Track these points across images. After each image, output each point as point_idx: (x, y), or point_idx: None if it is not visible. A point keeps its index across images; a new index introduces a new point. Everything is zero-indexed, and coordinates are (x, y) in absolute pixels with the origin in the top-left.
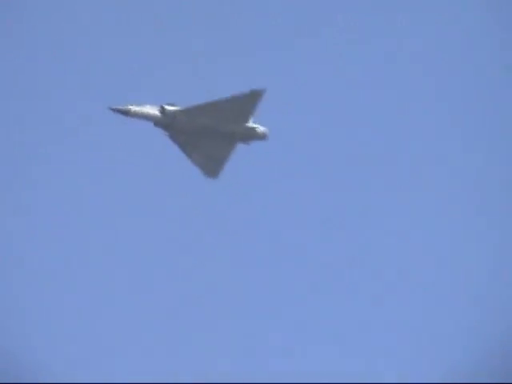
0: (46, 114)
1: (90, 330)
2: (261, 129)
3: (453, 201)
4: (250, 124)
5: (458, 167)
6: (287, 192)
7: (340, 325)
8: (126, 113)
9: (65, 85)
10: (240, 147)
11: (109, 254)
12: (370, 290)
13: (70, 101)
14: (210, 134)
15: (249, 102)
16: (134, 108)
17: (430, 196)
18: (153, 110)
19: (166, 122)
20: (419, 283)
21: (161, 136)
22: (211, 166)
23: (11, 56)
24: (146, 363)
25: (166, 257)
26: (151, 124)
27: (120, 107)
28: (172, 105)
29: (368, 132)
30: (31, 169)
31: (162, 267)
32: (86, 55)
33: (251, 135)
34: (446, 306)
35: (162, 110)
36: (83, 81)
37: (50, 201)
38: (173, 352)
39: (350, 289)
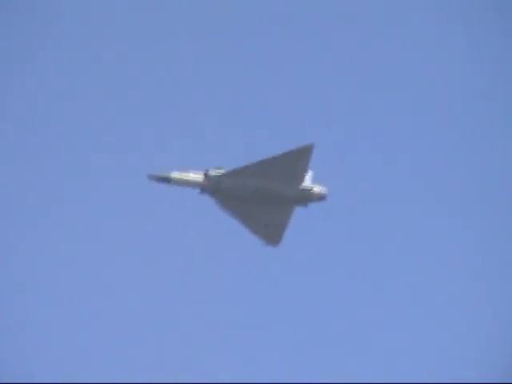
0: (90, 184)
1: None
2: (317, 189)
3: None
4: (306, 184)
5: None
6: (347, 258)
7: None
8: (167, 180)
9: (104, 149)
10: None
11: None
12: None
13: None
14: (262, 198)
15: (297, 159)
16: (175, 174)
17: None
18: (196, 176)
19: (211, 188)
20: None
21: (209, 203)
22: (270, 232)
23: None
24: (147, 363)
25: (225, 325)
26: (196, 191)
27: (160, 174)
28: (218, 168)
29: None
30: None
31: (222, 338)
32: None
33: (307, 197)
34: None
35: (206, 175)
36: (119, 145)
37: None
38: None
39: None
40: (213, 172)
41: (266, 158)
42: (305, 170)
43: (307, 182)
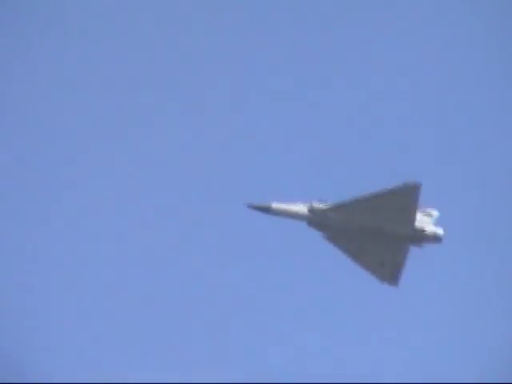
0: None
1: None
2: (431, 230)
3: None
4: (422, 224)
5: None
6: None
7: None
8: (268, 210)
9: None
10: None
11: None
12: None
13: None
14: (371, 235)
15: (405, 197)
16: (276, 205)
17: None
18: (299, 207)
19: (316, 221)
20: None
21: (313, 236)
22: (386, 271)
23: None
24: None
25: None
26: (301, 224)
27: (261, 204)
28: (322, 201)
29: None
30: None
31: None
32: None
33: (421, 238)
34: None
35: (311, 208)
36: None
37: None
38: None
39: None
40: (317, 205)
41: (370, 193)
42: (414, 210)
43: (427, 222)
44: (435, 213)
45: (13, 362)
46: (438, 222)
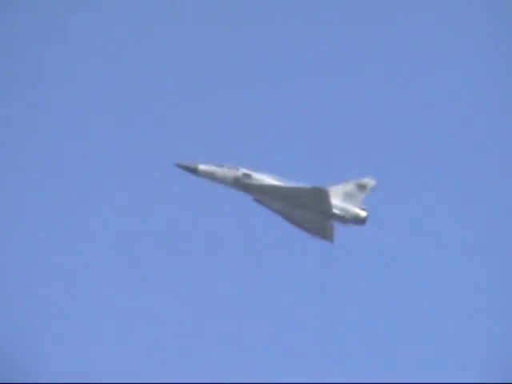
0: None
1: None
2: (352, 213)
3: None
4: (342, 207)
5: None
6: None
7: None
8: (195, 171)
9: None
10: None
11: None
12: None
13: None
14: (294, 213)
15: (315, 198)
16: (203, 167)
17: None
18: (225, 171)
19: (242, 186)
20: None
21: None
22: (317, 229)
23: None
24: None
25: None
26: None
27: (189, 164)
28: (249, 170)
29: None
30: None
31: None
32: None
33: (342, 221)
34: None
35: (237, 175)
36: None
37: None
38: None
39: None
40: (244, 173)
41: (288, 187)
42: (324, 208)
43: (351, 204)
44: (371, 182)
45: (15, 361)
46: (375, 191)
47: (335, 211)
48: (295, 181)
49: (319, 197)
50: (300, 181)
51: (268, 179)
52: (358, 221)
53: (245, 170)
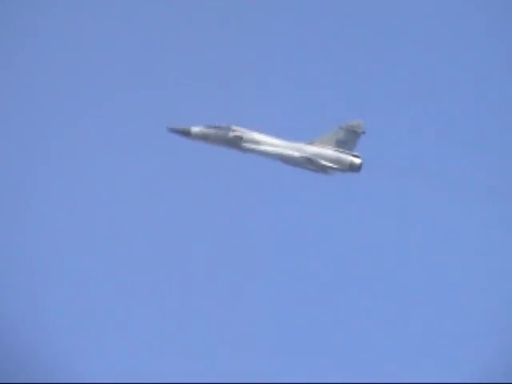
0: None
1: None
2: (343, 165)
3: None
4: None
5: None
6: None
7: None
8: (188, 134)
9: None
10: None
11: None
12: None
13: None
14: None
15: (307, 163)
16: (196, 129)
17: None
18: (218, 134)
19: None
20: None
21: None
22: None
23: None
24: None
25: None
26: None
27: (181, 127)
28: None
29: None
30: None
31: None
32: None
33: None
34: None
35: (230, 139)
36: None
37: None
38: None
39: None
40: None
41: (280, 153)
42: (322, 168)
43: (344, 152)
44: (360, 124)
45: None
46: (365, 133)
47: (329, 165)
48: (285, 135)
49: (311, 163)
50: (290, 133)
51: (259, 138)
52: (354, 169)
53: (236, 132)
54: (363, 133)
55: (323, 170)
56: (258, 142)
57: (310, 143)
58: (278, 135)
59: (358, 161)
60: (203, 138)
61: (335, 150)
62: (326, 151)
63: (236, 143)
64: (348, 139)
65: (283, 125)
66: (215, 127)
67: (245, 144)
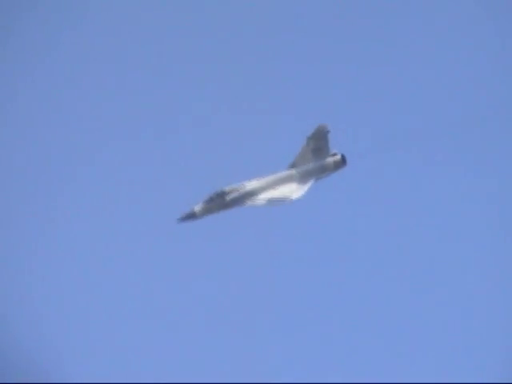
0: None
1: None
2: (327, 168)
3: None
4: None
5: None
6: None
7: None
8: (194, 216)
9: None
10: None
11: None
12: None
13: None
14: None
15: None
16: (197, 208)
17: None
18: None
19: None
20: None
21: None
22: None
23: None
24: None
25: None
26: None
27: (186, 213)
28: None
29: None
30: None
31: None
32: None
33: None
34: None
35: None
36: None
37: None
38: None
39: None
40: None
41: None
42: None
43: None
44: (325, 127)
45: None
46: (329, 130)
47: (314, 175)
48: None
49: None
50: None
51: (251, 188)
52: (339, 165)
53: (231, 193)
54: (328, 132)
55: (316, 177)
56: (252, 194)
57: (292, 166)
58: (262, 171)
59: (337, 157)
60: (207, 212)
61: (315, 160)
62: (308, 166)
63: (234, 204)
64: (320, 145)
65: (260, 158)
66: (211, 198)
67: (243, 202)
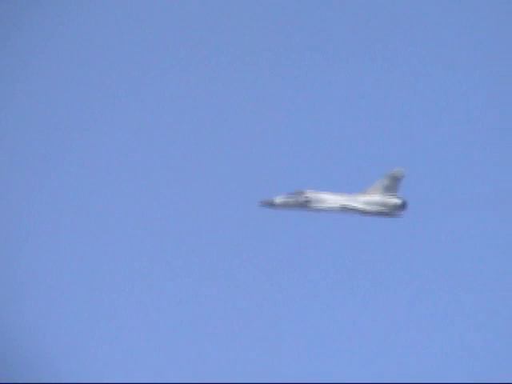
0: None
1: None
2: (388, 207)
3: None
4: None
5: None
6: None
7: None
8: (272, 205)
9: None
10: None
11: None
12: None
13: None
14: None
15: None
16: (278, 200)
17: None
18: (294, 199)
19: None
20: None
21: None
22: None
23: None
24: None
25: None
26: None
27: (267, 200)
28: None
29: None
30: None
31: None
32: None
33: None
34: None
35: (303, 203)
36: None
37: None
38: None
39: None
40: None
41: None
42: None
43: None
44: (400, 171)
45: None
46: (404, 176)
47: (375, 207)
48: (345, 189)
49: (357, 210)
50: (348, 185)
51: (324, 197)
52: (398, 208)
53: (307, 196)
54: (403, 177)
55: (372, 214)
56: (323, 201)
57: (363, 193)
58: (339, 190)
59: (399, 201)
60: (285, 205)
61: (382, 196)
62: (373, 198)
63: (305, 205)
64: (391, 185)
65: (343, 179)
66: (292, 194)
67: (312, 205)
